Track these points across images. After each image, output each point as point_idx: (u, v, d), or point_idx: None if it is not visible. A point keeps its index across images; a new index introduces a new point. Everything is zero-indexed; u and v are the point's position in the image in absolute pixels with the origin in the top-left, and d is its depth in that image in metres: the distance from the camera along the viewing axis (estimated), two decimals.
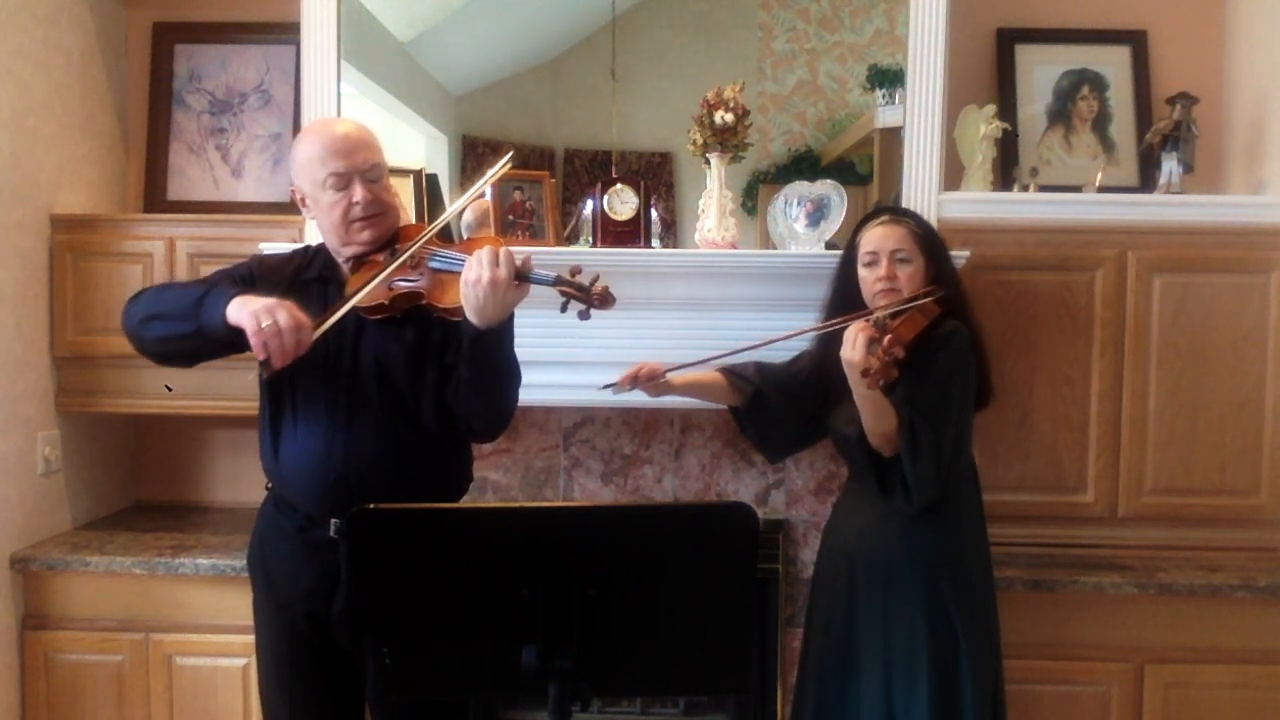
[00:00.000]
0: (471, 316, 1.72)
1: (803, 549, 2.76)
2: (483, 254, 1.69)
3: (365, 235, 1.87)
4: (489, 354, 1.76)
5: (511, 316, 1.76)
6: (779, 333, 2.21)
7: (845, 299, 2.18)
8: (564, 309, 1.75)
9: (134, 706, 2.56)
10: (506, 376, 1.83)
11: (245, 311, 1.67)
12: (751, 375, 2.28)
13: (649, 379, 2.18)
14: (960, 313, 2.11)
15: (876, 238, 2.11)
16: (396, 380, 1.87)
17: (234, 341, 1.73)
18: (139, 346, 1.88)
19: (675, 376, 2.21)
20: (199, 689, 2.55)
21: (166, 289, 1.94)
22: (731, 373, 2.28)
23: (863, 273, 2.13)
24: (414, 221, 2.54)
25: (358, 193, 1.85)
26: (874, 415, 1.95)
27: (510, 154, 1.95)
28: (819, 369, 2.20)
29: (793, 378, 2.27)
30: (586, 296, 1.72)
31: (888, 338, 1.82)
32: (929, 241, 2.13)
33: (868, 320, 1.93)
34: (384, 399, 1.87)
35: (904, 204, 2.59)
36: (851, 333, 1.89)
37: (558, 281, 1.73)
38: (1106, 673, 2.48)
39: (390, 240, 1.90)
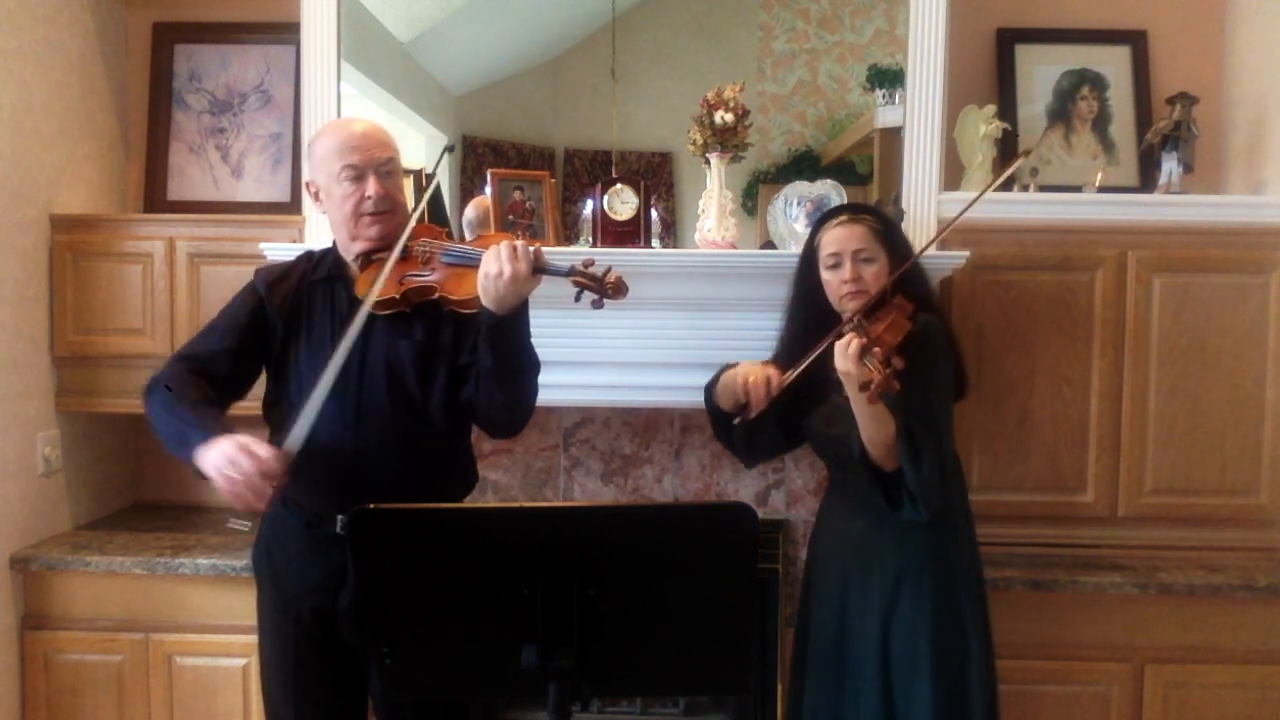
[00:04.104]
0: (489, 306, 1.76)
1: (803, 549, 2.75)
2: (502, 248, 1.73)
3: (374, 230, 1.90)
4: (508, 338, 1.80)
5: (526, 302, 1.80)
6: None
7: (809, 302, 2.12)
8: (578, 298, 1.79)
9: (134, 706, 2.56)
10: (527, 363, 1.86)
11: (209, 465, 1.65)
12: None
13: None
14: (929, 303, 2.05)
15: (837, 239, 2.05)
16: (405, 377, 1.89)
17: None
18: None
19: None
20: (199, 689, 2.55)
21: (171, 408, 1.77)
22: None
23: (826, 275, 2.07)
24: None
25: (370, 187, 1.89)
26: (874, 425, 1.88)
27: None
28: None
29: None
30: (600, 286, 1.76)
31: (877, 350, 1.75)
32: (890, 237, 2.08)
33: (854, 331, 1.82)
34: (393, 396, 1.88)
35: (904, 204, 2.60)
36: (843, 343, 1.82)
37: (572, 272, 1.78)
38: (1106, 673, 2.48)
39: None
